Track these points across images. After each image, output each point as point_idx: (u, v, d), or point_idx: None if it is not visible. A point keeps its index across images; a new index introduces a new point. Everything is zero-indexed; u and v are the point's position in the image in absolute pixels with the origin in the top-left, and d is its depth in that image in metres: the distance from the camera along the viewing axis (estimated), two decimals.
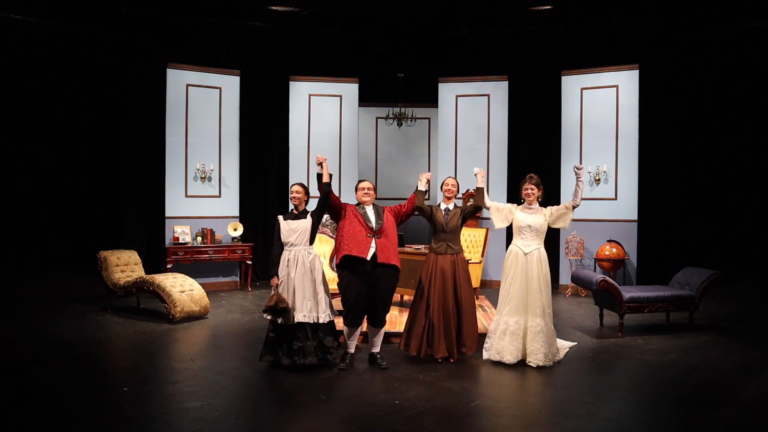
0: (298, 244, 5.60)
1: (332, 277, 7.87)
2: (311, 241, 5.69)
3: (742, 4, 8.83)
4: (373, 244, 5.52)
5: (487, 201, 6.04)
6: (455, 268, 5.84)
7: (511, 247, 5.98)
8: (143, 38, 9.55)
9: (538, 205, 5.97)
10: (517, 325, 5.75)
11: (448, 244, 5.88)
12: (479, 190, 6.00)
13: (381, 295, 5.60)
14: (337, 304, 6.06)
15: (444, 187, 6.04)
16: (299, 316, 5.47)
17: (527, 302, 5.78)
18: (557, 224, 5.98)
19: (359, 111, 11.22)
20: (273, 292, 5.51)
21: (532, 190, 5.93)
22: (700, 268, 7.54)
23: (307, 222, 5.64)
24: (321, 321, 5.55)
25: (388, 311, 5.76)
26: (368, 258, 5.49)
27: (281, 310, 5.42)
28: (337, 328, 5.94)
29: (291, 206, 5.83)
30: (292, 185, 5.84)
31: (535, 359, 5.67)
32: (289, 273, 5.54)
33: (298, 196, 5.70)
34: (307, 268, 5.56)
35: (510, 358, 5.71)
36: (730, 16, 9.07)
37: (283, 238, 5.62)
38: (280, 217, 5.72)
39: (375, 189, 5.87)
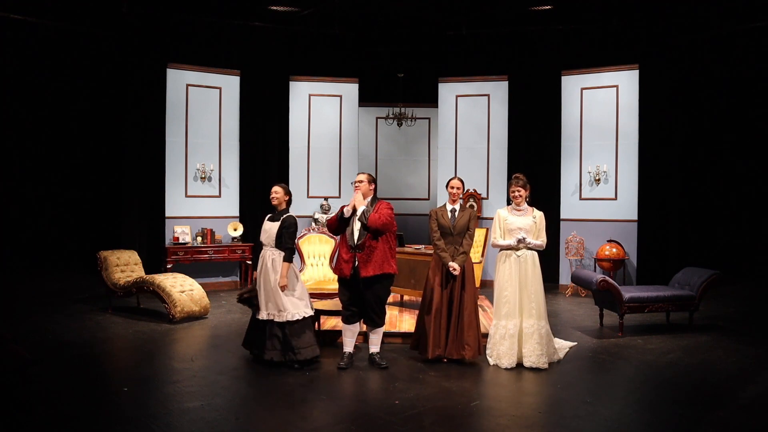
0: (267, 245, 5.75)
1: (332, 276, 7.91)
2: (276, 243, 5.69)
3: (741, 4, 8.82)
4: (355, 260, 5.59)
5: (492, 240, 5.99)
6: (462, 270, 5.82)
7: (502, 250, 5.95)
8: (143, 38, 9.55)
9: (526, 205, 5.94)
10: (515, 328, 5.74)
11: (455, 247, 5.84)
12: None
13: (370, 302, 5.64)
14: (337, 303, 6.07)
15: (449, 189, 6.00)
16: (263, 314, 5.66)
17: (521, 304, 5.77)
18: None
19: (359, 111, 11.22)
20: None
21: (519, 192, 5.87)
22: (700, 268, 7.54)
23: (276, 225, 5.71)
24: (283, 320, 5.58)
25: (383, 313, 5.76)
26: (350, 275, 5.60)
27: (246, 299, 5.78)
28: (338, 328, 5.94)
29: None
30: (273, 186, 5.93)
31: (529, 361, 5.66)
32: (260, 270, 5.75)
33: (276, 196, 5.82)
34: (268, 269, 5.66)
35: (507, 362, 5.69)
36: (730, 16, 9.07)
37: (260, 237, 5.88)
38: (267, 217, 5.91)
39: (372, 180, 5.80)
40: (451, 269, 5.72)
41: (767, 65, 9.15)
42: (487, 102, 10.71)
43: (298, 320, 5.62)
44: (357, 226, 5.64)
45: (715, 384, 5.26)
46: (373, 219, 5.53)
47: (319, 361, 5.78)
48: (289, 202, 5.88)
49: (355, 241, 5.60)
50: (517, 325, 5.74)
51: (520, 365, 5.70)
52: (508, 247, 5.85)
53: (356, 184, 5.75)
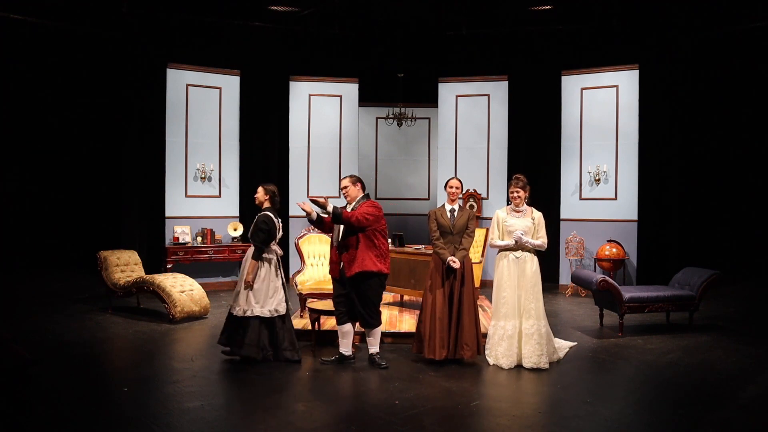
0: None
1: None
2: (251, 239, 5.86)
3: (741, 4, 8.82)
4: (341, 260, 5.65)
5: (490, 241, 5.96)
6: (462, 270, 5.82)
7: (501, 251, 5.93)
8: (143, 38, 9.55)
9: (525, 206, 5.91)
10: (513, 329, 5.72)
11: (455, 246, 5.84)
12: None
13: (357, 302, 5.65)
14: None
15: (448, 189, 6.01)
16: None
17: (520, 305, 5.75)
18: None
19: (359, 111, 11.22)
20: None
21: (518, 193, 5.84)
22: (700, 268, 7.53)
23: None
24: (233, 312, 5.75)
25: (375, 314, 5.69)
26: (339, 276, 5.69)
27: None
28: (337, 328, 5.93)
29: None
30: None
31: (529, 362, 5.64)
32: None
33: (257, 196, 6.00)
34: (243, 263, 5.93)
35: (506, 362, 5.69)
36: (730, 16, 9.07)
37: None
38: None
39: (357, 180, 5.78)
40: (450, 262, 5.71)
41: (767, 65, 9.15)
42: (487, 102, 10.71)
43: (242, 317, 5.67)
44: (342, 225, 5.66)
45: (715, 384, 5.25)
46: (346, 215, 5.49)
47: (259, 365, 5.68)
48: (272, 201, 5.92)
49: (339, 240, 5.65)
50: (515, 326, 5.73)
51: (519, 366, 5.70)
52: (507, 248, 5.84)
53: (343, 192, 5.77)
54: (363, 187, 5.83)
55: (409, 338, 6.35)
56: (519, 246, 5.79)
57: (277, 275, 5.82)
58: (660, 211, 9.57)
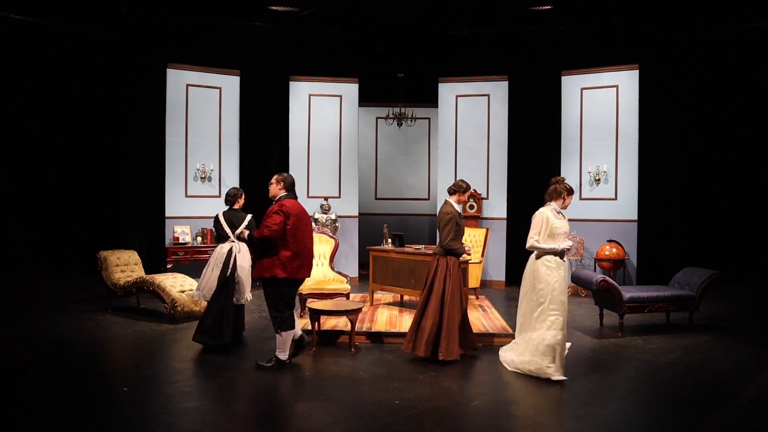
0: None
1: (332, 276, 7.91)
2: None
3: (741, 4, 8.83)
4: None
5: (532, 243, 5.52)
6: (459, 268, 5.88)
7: (544, 254, 5.50)
8: (143, 38, 9.55)
9: None
10: (563, 339, 5.37)
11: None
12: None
13: (267, 304, 5.69)
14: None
15: (467, 196, 6.11)
16: None
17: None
18: None
19: (359, 111, 11.21)
20: None
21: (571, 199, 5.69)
22: (700, 268, 7.54)
23: None
24: None
25: (275, 319, 5.57)
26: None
27: None
28: (338, 328, 5.91)
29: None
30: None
31: (561, 373, 5.33)
32: None
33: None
34: None
35: (550, 372, 5.33)
36: (730, 16, 9.07)
37: None
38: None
39: (281, 180, 5.71)
40: (467, 253, 6.05)
41: (767, 65, 9.16)
42: (487, 102, 10.71)
43: None
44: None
45: (715, 384, 5.26)
46: (255, 236, 5.54)
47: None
48: (226, 203, 6.58)
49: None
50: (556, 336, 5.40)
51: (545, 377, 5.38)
52: (552, 252, 5.43)
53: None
54: (286, 188, 5.70)
55: None
56: (563, 251, 5.48)
57: (219, 267, 6.23)
58: (660, 211, 9.57)
